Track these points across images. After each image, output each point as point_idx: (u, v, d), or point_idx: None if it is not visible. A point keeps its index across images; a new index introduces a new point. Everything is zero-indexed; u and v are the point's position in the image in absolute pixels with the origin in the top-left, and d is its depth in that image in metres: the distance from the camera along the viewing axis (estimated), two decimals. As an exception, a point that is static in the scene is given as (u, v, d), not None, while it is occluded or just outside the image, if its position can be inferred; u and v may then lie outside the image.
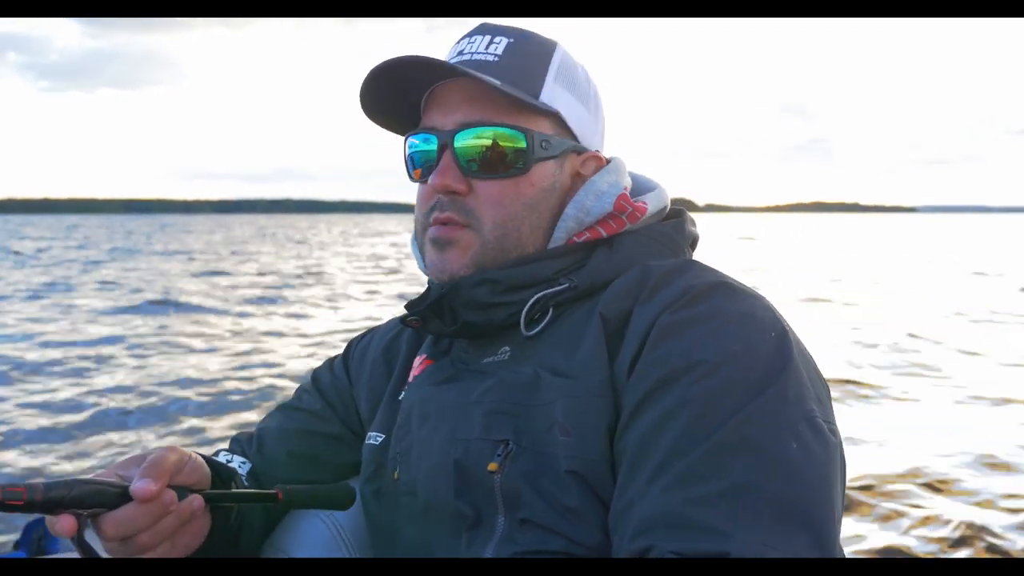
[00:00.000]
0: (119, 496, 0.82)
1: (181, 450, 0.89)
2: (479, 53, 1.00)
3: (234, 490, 0.99)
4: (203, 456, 0.98)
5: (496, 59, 0.99)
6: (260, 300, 12.91)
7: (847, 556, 0.84)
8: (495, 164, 0.97)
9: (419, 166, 1.03)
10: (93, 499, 0.80)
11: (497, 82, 0.95)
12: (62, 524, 0.78)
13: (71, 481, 0.79)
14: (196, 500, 0.88)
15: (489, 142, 0.97)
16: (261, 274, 18.57)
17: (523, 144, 0.97)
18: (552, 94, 1.00)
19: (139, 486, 0.81)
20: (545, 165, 1.00)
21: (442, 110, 1.00)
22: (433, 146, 0.99)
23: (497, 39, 1.01)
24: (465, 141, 0.97)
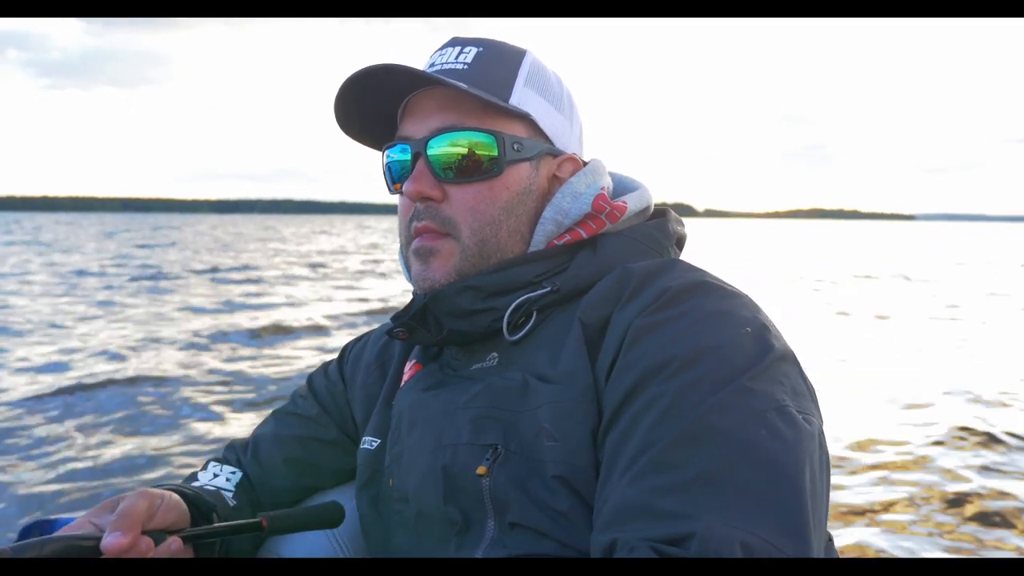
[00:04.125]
0: (92, 551, 0.80)
1: (152, 493, 0.88)
2: (449, 63, 1.01)
3: (215, 524, 0.96)
4: (181, 490, 0.98)
5: (466, 67, 1.00)
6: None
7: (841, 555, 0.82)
8: (468, 168, 0.98)
9: (396, 178, 1.04)
10: (66, 557, 0.78)
11: (464, 85, 0.95)
12: None
13: (42, 540, 0.78)
14: (174, 543, 0.86)
15: (461, 147, 0.97)
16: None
17: (494, 146, 0.97)
18: (522, 97, 1.01)
19: (109, 542, 0.80)
20: (519, 168, 1.00)
21: (415, 119, 1.00)
22: (407, 155, 1.00)
23: (467, 49, 1.02)
24: (437, 147, 0.98)
